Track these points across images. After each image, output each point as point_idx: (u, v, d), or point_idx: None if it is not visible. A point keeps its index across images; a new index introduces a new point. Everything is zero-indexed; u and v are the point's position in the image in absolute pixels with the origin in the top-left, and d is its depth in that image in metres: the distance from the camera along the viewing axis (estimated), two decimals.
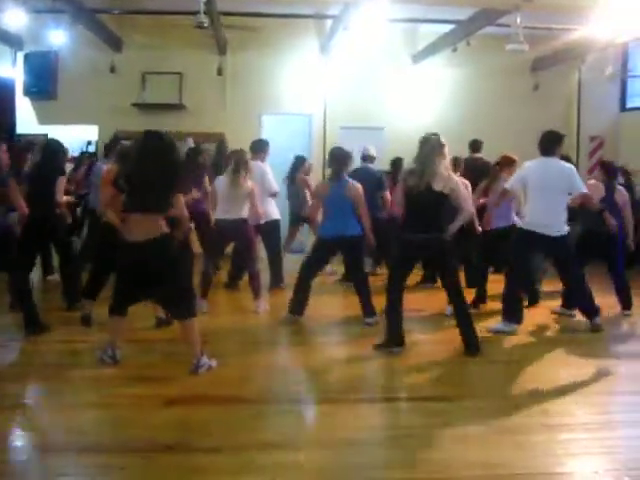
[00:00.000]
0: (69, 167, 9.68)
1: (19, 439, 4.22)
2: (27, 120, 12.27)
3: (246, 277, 8.15)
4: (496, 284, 7.65)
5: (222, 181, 7.61)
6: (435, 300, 7.87)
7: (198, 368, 5.46)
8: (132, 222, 5.38)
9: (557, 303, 7.90)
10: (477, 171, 8.92)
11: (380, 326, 6.70)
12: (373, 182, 9.01)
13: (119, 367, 5.51)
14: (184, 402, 4.87)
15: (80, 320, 6.80)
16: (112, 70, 12.18)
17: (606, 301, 7.67)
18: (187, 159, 8.26)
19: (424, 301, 8.19)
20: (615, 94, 13.80)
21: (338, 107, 12.88)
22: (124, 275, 5.54)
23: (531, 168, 6.89)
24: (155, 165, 5.36)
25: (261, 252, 8.69)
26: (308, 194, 9.72)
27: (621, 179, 9.07)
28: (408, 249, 6.26)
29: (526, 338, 6.86)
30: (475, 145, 10.39)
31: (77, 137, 12.11)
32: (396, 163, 9.99)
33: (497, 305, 7.34)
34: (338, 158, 7.32)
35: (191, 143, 8.39)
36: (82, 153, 11.72)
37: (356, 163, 8.67)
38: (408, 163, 9.04)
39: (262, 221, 8.35)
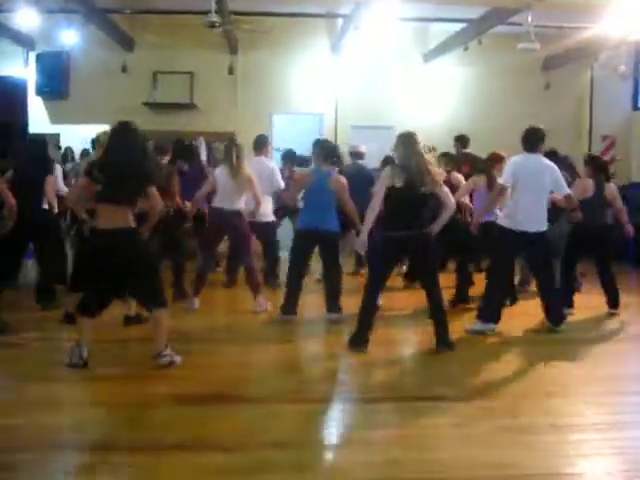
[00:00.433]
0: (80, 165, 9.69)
1: (27, 437, 4.24)
2: (39, 119, 12.32)
3: (243, 275, 8.09)
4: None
5: (221, 171, 7.63)
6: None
7: (160, 357, 5.47)
8: (103, 212, 5.40)
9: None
10: (468, 166, 8.88)
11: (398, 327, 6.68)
12: (366, 178, 9.06)
13: (128, 365, 5.52)
14: (193, 401, 4.87)
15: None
16: (123, 70, 12.25)
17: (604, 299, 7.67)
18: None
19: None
20: (627, 93, 13.75)
21: (349, 106, 12.89)
22: (93, 267, 5.50)
23: (520, 163, 6.75)
24: (124, 158, 5.42)
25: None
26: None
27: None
28: (389, 246, 6.13)
29: (532, 338, 6.84)
30: (464, 140, 10.35)
31: (89, 136, 12.12)
32: (388, 161, 9.95)
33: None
34: (327, 150, 7.26)
35: (202, 142, 8.42)
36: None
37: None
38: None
39: (263, 220, 8.37)
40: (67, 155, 12.31)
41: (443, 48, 12.33)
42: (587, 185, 7.57)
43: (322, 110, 13.15)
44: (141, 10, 11.91)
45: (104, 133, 6.65)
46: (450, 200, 6.25)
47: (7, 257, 7.37)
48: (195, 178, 8.42)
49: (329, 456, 4.13)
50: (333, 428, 4.64)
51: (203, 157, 8.78)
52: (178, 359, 5.58)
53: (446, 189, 6.25)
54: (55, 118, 12.40)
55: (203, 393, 5.04)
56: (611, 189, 7.70)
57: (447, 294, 7.16)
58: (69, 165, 11.24)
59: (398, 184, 5.95)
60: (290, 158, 9.98)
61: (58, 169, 7.89)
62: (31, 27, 10.40)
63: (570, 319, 7.38)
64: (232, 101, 12.77)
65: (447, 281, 7.54)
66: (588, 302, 7.86)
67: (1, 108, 11.89)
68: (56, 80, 12.28)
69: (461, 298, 7.84)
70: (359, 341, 6.12)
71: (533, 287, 8.19)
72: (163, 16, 12.00)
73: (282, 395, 5.11)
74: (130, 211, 5.43)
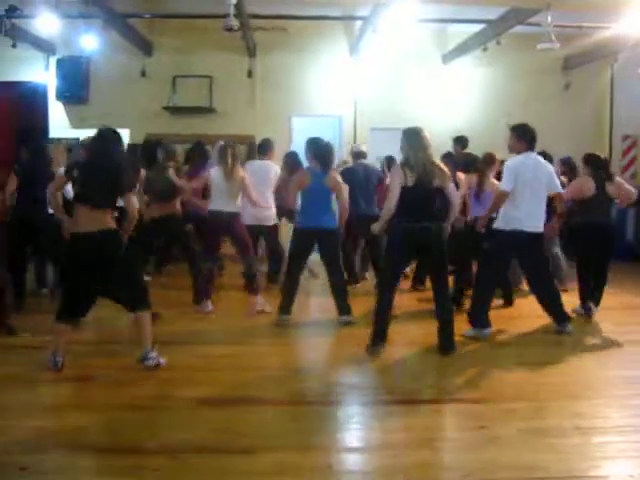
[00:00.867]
0: None
1: (51, 439, 4.26)
2: (60, 124, 12.43)
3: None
4: None
5: (216, 173, 7.69)
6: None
7: (145, 360, 5.50)
8: (80, 214, 5.43)
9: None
10: (470, 166, 8.84)
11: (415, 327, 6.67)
12: (376, 176, 9.31)
13: (151, 369, 5.54)
14: (217, 403, 4.89)
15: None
16: (143, 74, 12.31)
17: (620, 299, 7.61)
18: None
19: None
20: None
21: (368, 108, 12.88)
22: (74, 270, 5.50)
23: (522, 163, 6.68)
24: (103, 162, 5.48)
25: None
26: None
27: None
28: (408, 237, 6.06)
29: (552, 339, 6.79)
30: (463, 141, 10.33)
31: None
32: (390, 160, 9.92)
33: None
34: (323, 151, 7.23)
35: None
36: None
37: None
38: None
39: (268, 223, 8.55)
40: None
41: (462, 49, 12.29)
42: (588, 185, 7.44)
43: (341, 112, 13.14)
44: (160, 14, 11.96)
45: (89, 137, 6.71)
46: (455, 197, 6.29)
47: (13, 260, 7.60)
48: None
49: (352, 459, 4.12)
50: (354, 430, 4.61)
51: None
52: (163, 361, 5.60)
53: (452, 185, 6.26)
54: (75, 123, 12.48)
55: (223, 396, 5.06)
56: (616, 185, 7.52)
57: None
58: None
59: (410, 183, 5.98)
60: (291, 161, 9.69)
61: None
62: (51, 32, 10.46)
63: (591, 321, 7.37)
64: (251, 104, 12.79)
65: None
66: (606, 303, 7.77)
67: (22, 113, 12.04)
68: (76, 85, 12.34)
69: (455, 300, 7.80)
70: (377, 341, 6.12)
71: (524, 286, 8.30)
72: (182, 20, 12.04)
73: (300, 397, 5.13)
74: (108, 213, 5.46)
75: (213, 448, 4.11)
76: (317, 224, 7.11)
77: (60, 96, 12.44)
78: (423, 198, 6.02)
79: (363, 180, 9.07)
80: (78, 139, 12.07)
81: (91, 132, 11.78)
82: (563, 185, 7.43)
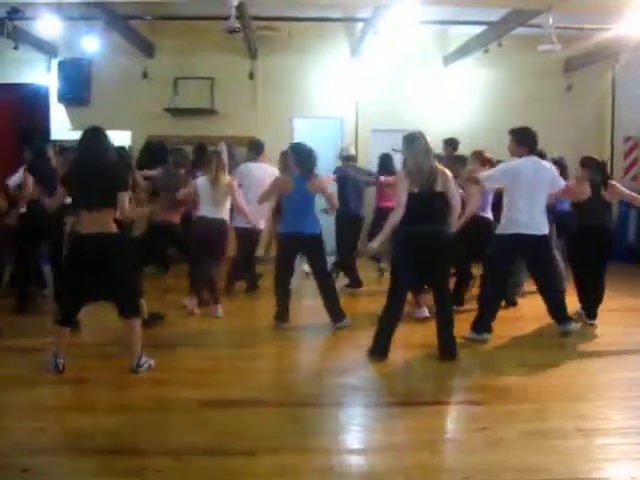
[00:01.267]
0: None
1: (54, 440, 4.26)
2: (61, 126, 12.43)
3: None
4: None
5: (203, 181, 7.68)
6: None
7: (139, 367, 5.49)
8: (83, 216, 5.43)
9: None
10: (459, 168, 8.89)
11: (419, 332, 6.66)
12: (363, 181, 9.45)
13: (153, 370, 5.54)
14: (219, 405, 4.89)
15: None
16: (144, 76, 12.32)
17: (622, 301, 7.60)
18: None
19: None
20: None
21: (369, 110, 12.88)
22: (73, 272, 5.49)
23: (521, 164, 6.65)
24: (96, 162, 5.47)
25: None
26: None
27: None
28: (412, 242, 5.97)
29: (554, 341, 6.78)
30: (454, 143, 10.35)
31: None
32: (384, 159, 9.92)
33: None
34: (304, 156, 7.18)
35: (224, 147, 8.43)
36: None
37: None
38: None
39: (258, 227, 8.49)
40: None
41: (463, 51, 12.28)
42: (583, 188, 7.33)
43: (342, 114, 13.14)
44: (161, 16, 11.97)
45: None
46: (456, 201, 6.22)
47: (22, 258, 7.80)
48: None
49: (354, 460, 4.11)
50: (355, 432, 4.61)
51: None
52: (153, 362, 5.60)
53: (454, 188, 6.21)
54: (77, 124, 12.43)
55: (225, 397, 5.06)
56: (614, 189, 7.42)
57: None
58: None
59: (415, 189, 5.95)
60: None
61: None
62: (53, 34, 10.47)
63: (595, 322, 7.35)
64: (252, 106, 12.79)
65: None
66: (608, 306, 7.75)
67: (24, 115, 12.05)
68: (78, 87, 12.35)
69: (456, 300, 7.80)
70: (381, 349, 6.05)
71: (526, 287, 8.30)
72: (183, 22, 12.06)
73: (301, 399, 5.13)
74: (110, 214, 5.44)
75: (215, 450, 4.10)
76: (300, 230, 7.07)
77: (62, 98, 12.45)
78: (426, 203, 5.97)
79: (353, 182, 9.22)
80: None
81: None
82: None
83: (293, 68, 12.73)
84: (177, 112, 12.53)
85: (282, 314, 7.16)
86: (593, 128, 13.17)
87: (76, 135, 11.78)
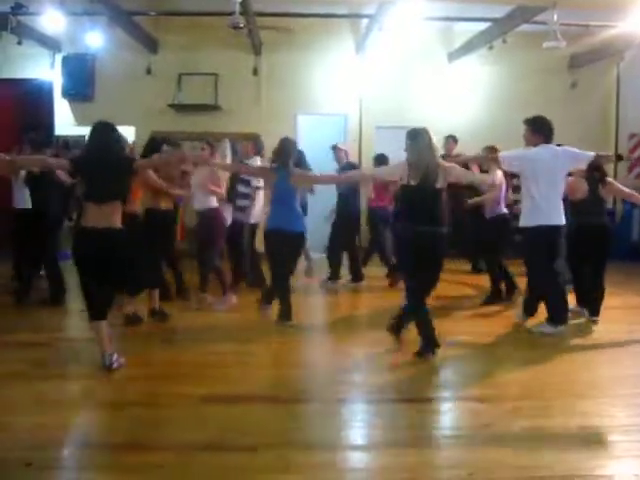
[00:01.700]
0: None
1: (55, 435, 4.26)
2: (65, 122, 12.44)
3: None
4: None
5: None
6: (467, 299, 7.84)
7: (111, 365, 5.39)
8: (89, 209, 5.40)
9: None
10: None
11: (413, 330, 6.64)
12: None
13: (156, 366, 5.55)
14: (220, 401, 4.88)
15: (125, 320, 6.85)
16: (148, 72, 12.31)
17: (625, 299, 7.59)
18: None
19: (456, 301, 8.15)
20: None
21: (373, 107, 12.87)
22: (77, 265, 5.45)
23: (537, 152, 6.65)
24: (104, 155, 5.45)
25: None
26: None
27: None
28: (411, 239, 5.91)
29: (557, 338, 6.74)
30: (455, 140, 10.35)
31: None
32: (380, 159, 9.92)
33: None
34: (280, 147, 7.14)
35: (227, 143, 8.42)
36: None
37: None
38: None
39: (253, 221, 8.57)
40: None
41: (468, 47, 12.27)
42: (580, 186, 7.33)
43: (347, 111, 13.13)
44: (165, 12, 11.97)
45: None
46: (477, 177, 6.31)
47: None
48: None
49: (356, 457, 4.11)
50: (358, 428, 4.61)
51: (228, 159, 8.81)
52: (123, 359, 5.53)
53: (461, 171, 6.20)
54: (81, 120, 12.46)
55: (228, 393, 5.06)
56: (611, 187, 7.44)
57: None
58: None
59: (413, 182, 5.89)
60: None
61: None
62: (57, 30, 10.50)
63: (598, 319, 7.33)
64: (256, 102, 12.80)
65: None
66: (611, 303, 7.73)
67: (28, 110, 12.04)
68: (82, 82, 12.38)
69: (493, 297, 7.85)
70: (428, 349, 5.96)
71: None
72: (187, 18, 12.04)
73: (304, 395, 5.13)
74: (116, 209, 5.41)
75: (217, 445, 4.09)
76: (283, 226, 6.96)
77: (65, 93, 12.47)
78: (426, 200, 5.89)
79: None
80: (84, 137, 12.09)
81: None
82: None
83: (297, 64, 12.73)
84: (181, 108, 12.54)
85: (285, 312, 7.08)
86: (598, 125, 13.15)
87: (80, 130, 11.93)
